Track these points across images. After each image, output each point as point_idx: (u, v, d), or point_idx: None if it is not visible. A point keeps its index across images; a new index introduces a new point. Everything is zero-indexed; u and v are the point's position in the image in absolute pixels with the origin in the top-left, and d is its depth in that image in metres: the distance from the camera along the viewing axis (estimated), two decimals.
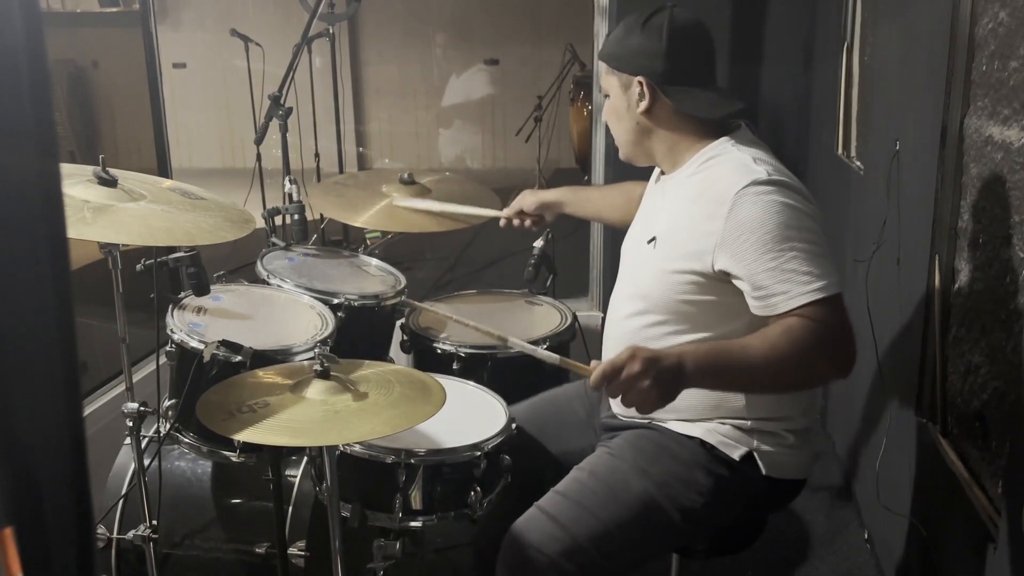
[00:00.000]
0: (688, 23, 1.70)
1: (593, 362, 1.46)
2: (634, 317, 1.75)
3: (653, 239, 1.73)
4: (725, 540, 1.83)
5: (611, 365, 1.42)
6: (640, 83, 1.70)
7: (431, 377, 1.70)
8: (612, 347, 1.79)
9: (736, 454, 1.70)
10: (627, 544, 1.67)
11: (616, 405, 1.84)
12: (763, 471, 1.71)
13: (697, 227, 1.61)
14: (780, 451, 1.73)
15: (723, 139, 1.71)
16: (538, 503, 1.70)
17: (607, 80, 1.78)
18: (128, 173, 1.86)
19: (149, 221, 1.70)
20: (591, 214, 2.30)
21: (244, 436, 1.46)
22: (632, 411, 1.77)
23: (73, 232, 1.52)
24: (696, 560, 1.86)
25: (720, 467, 1.71)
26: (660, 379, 1.42)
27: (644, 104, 1.71)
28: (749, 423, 1.71)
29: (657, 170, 1.89)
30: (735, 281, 1.58)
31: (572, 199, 2.24)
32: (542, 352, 1.64)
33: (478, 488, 1.75)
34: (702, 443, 1.72)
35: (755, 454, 1.71)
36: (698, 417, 1.73)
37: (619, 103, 1.76)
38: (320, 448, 1.67)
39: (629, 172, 1.96)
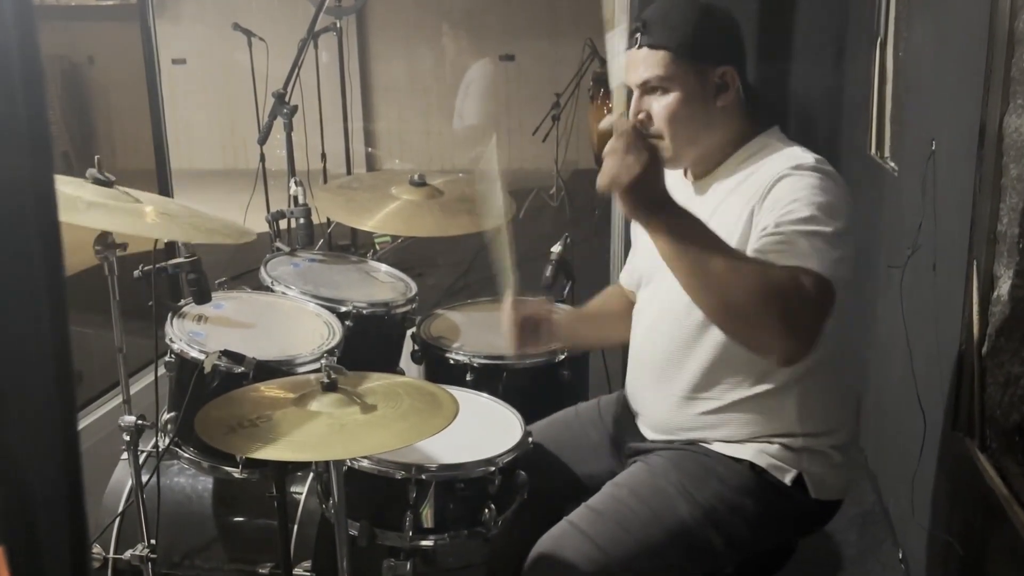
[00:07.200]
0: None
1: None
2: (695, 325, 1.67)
3: None
4: (755, 563, 1.80)
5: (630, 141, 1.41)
6: (724, 74, 1.62)
7: (442, 389, 1.68)
8: (660, 356, 1.73)
9: (787, 477, 1.67)
10: (662, 567, 1.65)
11: (645, 429, 1.80)
12: (812, 494, 1.68)
13: (740, 215, 1.57)
14: (827, 471, 1.70)
15: (764, 135, 1.68)
16: (569, 518, 1.66)
17: (671, 69, 1.61)
18: (129, 191, 1.83)
19: (145, 215, 1.70)
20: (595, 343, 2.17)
21: (247, 451, 1.46)
22: (662, 436, 1.77)
23: (65, 217, 1.49)
24: None
25: (769, 492, 1.67)
26: (643, 182, 1.37)
27: (728, 96, 1.63)
28: (800, 441, 1.67)
29: (682, 173, 1.78)
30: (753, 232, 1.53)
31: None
32: None
33: (492, 505, 1.73)
34: (751, 466, 1.68)
35: (805, 476, 1.67)
36: (746, 437, 1.69)
37: (695, 97, 1.62)
38: (327, 463, 1.67)
39: None
